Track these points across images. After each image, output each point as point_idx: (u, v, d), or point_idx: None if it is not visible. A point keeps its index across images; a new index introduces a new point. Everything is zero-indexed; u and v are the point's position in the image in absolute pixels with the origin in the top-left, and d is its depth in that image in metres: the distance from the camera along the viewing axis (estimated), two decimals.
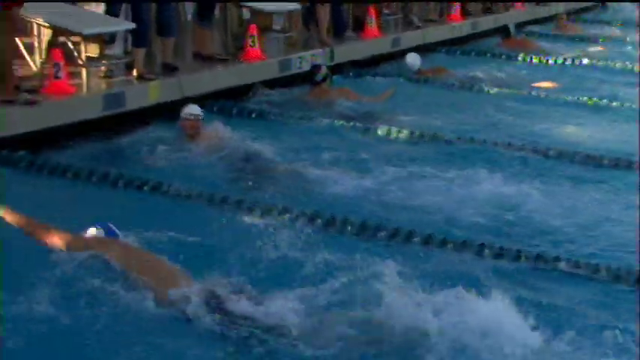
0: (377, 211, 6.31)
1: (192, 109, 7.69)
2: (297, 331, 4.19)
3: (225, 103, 9.28)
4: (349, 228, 5.90)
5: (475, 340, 4.09)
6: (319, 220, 5.93)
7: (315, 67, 10.08)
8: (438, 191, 6.78)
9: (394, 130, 8.58)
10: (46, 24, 8.43)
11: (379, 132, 8.59)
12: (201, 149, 7.56)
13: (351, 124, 8.79)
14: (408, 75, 11.43)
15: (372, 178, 7.07)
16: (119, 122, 8.28)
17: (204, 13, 10.13)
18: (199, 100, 8.62)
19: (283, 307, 4.33)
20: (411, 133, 8.53)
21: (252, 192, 6.65)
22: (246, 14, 10.88)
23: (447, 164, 7.46)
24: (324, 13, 11.63)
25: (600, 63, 13.23)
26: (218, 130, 7.85)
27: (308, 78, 9.99)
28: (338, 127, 8.72)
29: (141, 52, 9.08)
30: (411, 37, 13.27)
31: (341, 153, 7.75)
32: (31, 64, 8.47)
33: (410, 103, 10.13)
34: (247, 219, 6.02)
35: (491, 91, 10.92)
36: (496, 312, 4.21)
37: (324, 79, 9.79)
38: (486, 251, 5.52)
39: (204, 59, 10.03)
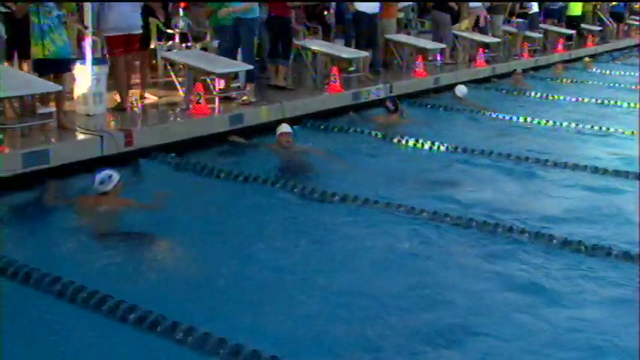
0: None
1: (286, 128, 7.67)
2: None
3: (315, 121, 9.47)
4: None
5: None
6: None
7: (389, 99, 10.05)
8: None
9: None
10: (192, 65, 8.80)
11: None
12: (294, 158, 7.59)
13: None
14: (452, 103, 11.50)
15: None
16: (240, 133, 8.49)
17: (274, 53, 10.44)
18: (295, 120, 8.97)
19: None
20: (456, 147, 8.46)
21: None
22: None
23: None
24: None
25: None
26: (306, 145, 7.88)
27: (384, 106, 9.88)
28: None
29: (251, 86, 9.46)
30: (448, 77, 13.64)
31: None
32: (181, 93, 8.93)
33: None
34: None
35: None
36: None
37: (395, 109, 9.78)
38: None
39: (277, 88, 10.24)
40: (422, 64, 12.73)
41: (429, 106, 11.51)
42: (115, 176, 5.65)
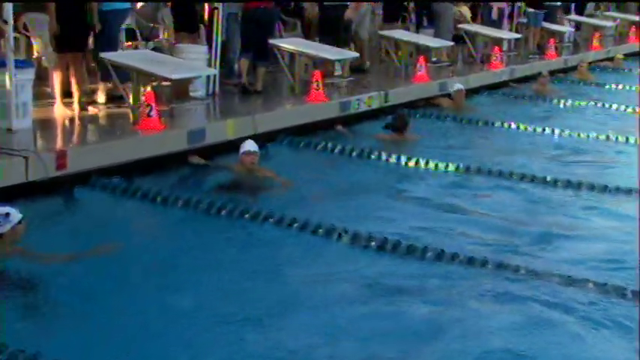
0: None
1: (251, 145, 7.75)
2: None
3: (293, 138, 9.54)
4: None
5: None
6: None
7: (398, 115, 10.28)
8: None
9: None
10: (140, 69, 8.71)
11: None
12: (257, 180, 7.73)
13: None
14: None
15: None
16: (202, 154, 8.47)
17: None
18: (270, 135, 9.13)
19: None
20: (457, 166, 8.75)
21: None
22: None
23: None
24: None
25: None
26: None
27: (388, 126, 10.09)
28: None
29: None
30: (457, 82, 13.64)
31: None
32: (128, 104, 8.82)
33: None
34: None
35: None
36: None
37: (401, 127, 9.92)
38: None
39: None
40: (424, 67, 12.90)
41: (432, 117, 11.81)
42: (14, 215, 5.26)
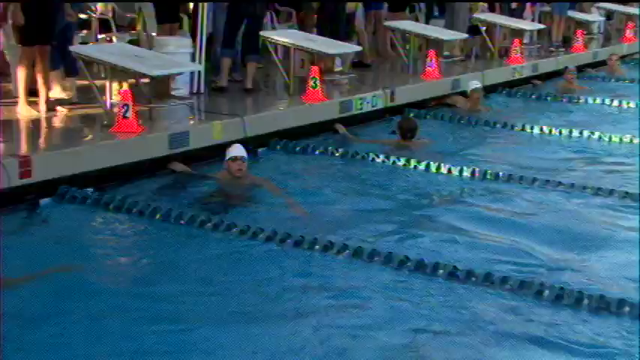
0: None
1: (238, 150, 7.78)
2: None
3: (287, 142, 9.59)
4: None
5: None
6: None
7: (405, 122, 10.18)
8: None
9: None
10: (115, 65, 8.67)
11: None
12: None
13: None
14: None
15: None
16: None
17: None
18: (262, 139, 9.27)
19: None
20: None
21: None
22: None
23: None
24: None
25: None
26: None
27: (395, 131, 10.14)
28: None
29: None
30: (471, 78, 13.61)
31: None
32: (103, 104, 8.75)
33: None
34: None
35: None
36: None
37: (407, 134, 9.85)
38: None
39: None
40: (434, 62, 12.87)
41: (445, 119, 11.83)
42: None
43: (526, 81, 15.15)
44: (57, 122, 8.91)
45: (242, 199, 7.62)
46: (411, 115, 11.35)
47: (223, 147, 8.18)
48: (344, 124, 10.62)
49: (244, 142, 8.46)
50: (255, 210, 7.35)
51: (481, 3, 16.06)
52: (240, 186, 7.79)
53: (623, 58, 17.64)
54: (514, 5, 16.67)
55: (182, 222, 6.81)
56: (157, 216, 6.94)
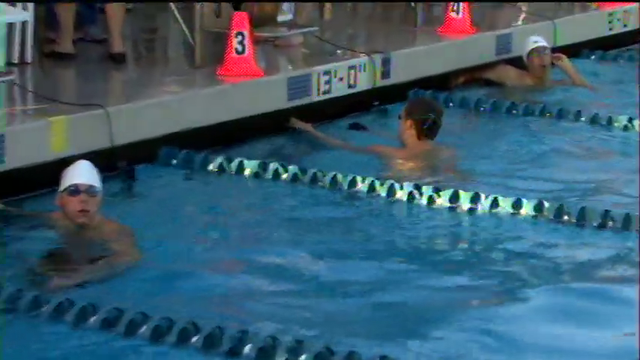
0: None
1: (86, 176, 7.37)
2: None
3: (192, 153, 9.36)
4: None
5: None
6: None
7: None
8: None
9: None
10: None
11: None
12: None
13: None
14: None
15: None
16: None
17: None
18: (142, 148, 8.94)
19: None
20: None
21: None
22: None
23: None
24: None
25: None
26: None
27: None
28: None
29: None
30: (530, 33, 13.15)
31: None
32: None
33: None
34: None
35: None
36: None
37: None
38: None
39: None
40: (464, 5, 12.48)
41: (480, 107, 11.49)
42: None
43: (632, 38, 14.68)
44: None
45: (88, 258, 7.28)
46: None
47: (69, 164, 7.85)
48: (299, 118, 10.42)
49: (110, 154, 8.49)
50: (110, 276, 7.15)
51: None
52: (84, 240, 7.43)
53: None
54: None
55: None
56: None
